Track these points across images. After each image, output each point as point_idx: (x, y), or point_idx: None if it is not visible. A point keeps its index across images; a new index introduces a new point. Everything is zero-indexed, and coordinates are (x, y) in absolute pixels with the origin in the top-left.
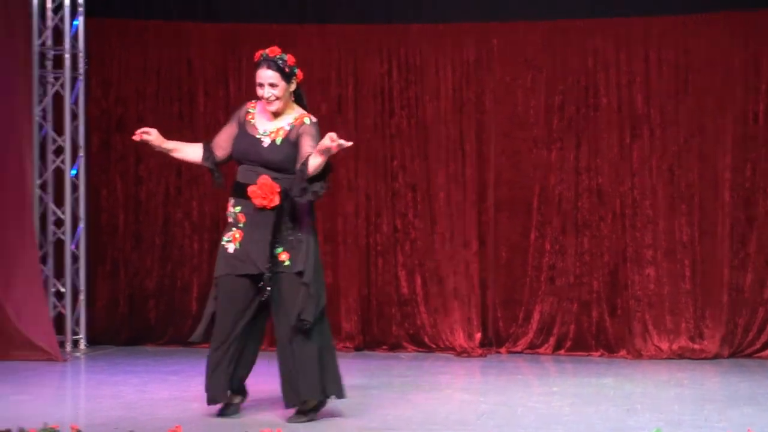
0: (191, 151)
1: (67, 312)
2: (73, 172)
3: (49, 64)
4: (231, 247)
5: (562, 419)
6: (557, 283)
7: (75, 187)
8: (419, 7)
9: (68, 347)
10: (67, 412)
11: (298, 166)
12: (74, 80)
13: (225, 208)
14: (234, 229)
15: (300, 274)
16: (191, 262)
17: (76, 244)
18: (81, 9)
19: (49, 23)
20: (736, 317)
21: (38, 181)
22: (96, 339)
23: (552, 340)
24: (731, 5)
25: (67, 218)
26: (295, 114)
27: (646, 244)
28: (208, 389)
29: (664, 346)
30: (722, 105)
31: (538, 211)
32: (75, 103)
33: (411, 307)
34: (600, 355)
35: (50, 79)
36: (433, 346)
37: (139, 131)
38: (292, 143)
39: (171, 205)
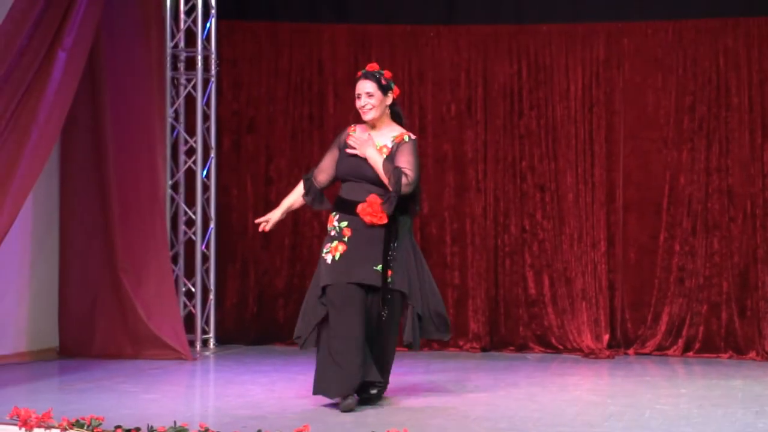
0: (297, 196)
1: (197, 311)
2: (204, 172)
3: (181, 65)
4: (329, 258)
5: (690, 421)
6: (686, 284)
7: (206, 188)
8: (548, 7)
9: (198, 346)
10: (196, 411)
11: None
12: (206, 82)
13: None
14: (336, 242)
15: (402, 294)
16: None
17: (206, 244)
18: (213, 11)
19: (182, 25)
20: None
21: (170, 182)
22: (225, 338)
23: (681, 342)
24: None
25: (198, 218)
26: (395, 132)
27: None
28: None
29: None
30: None
31: (668, 212)
32: (206, 104)
33: (538, 308)
34: (729, 357)
35: (182, 80)
36: (560, 347)
37: (262, 226)
38: (393, 160)
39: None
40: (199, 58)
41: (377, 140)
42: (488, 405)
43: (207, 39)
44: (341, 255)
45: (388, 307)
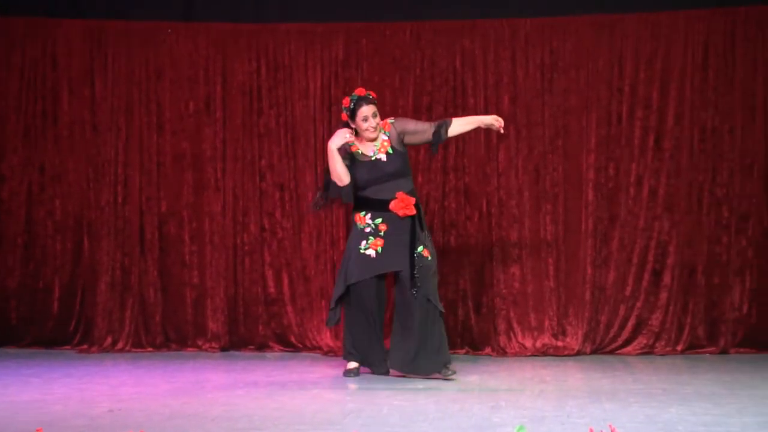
0: (345, 169)
1: None
2: None
3: None
4: (372, 253)
5: (428, 417)
6: None
7: None
8: (287, 7)
9: None
10: None
11: (435, 125)
12: None
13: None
14: (373, 238)
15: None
16: (54, 263)
17: None
18: None
19: None
20: (598, 314)
21: None
22: None
23: None
24: (596, 8)
25: None
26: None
27: (512, 242)
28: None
29: (528, 343)
30: (586, 105)
31: None
32: None
33: (278, 307)
34: (465, 353)
35: None
36: (300, 345)
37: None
38: (399, 149)
39: (34, 204)
40: None
41: (375, 142)
42: (227, 405)
43: None
44: (382, 248)
45: (420, 285)
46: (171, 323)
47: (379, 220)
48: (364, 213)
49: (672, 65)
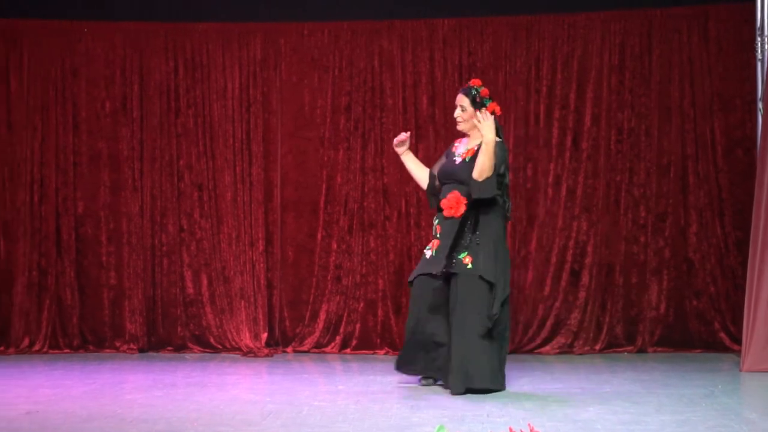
0: (420, 173)
1: None
2: None
3: None
4: (428, 254)
5: (347, 417)
6: (344, 282)
7: None
8: (204, 6)
9: None
10: None
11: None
12: None
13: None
14: (434, 239)
15: (482, 278)
16: None
17: None
18: None
19: None
20: (517, 314)
21: None
22: None
23: (338, 339)
24: (513, 9)
25: None
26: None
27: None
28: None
29: None
30: (504, 106)
31: (325, 210)
32: None
33: (197, 308)
34: (385, 353)
35: None
36: (219, 346)
37: (402, 137)
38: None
39: None
40: None
41: (469, 146)
42: (145, 406)
43: None
44: (437, 249)
45: (461, 291)
46: (88, 324)
47: (436, 221)
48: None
49: (589, 66)
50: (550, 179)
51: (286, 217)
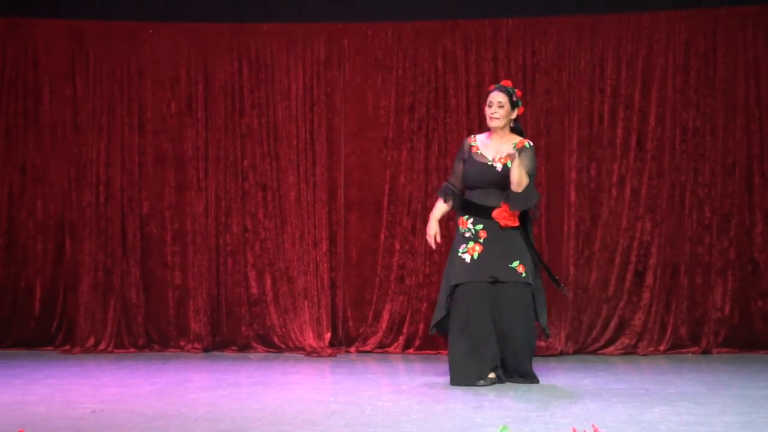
0: (442, 211)
1: None
2: None
3: None
4: (467, 258)
5: (411, 417)
6: (407, 282)
7: None
8: (269, 7)
9: None
10: None
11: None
12: None
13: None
14: (472, 243)
15: (529, 285)
16: (35, 264)
17: None
18: None
19: None
20: (581, 315)
21: None
22: None
23: (401, 339)
24: (577, 9)
25: None
26: (515, 140)
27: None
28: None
29: None
30: (568, 106)
31: (388, 210)
32: None
33: (260, 308)
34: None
35: None
36: (283, 346)
37: (432, 242)
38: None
39: (15, 205)
40: None
41: (501, 148)
42: (209, 406)
43: None
44: (479, 255)
45: (516, 299)
46: (153, 324)
47: (480, 227)
48: (467, 217)
49: (653, 66)
50: (614, 179)
51: (350, 217)
